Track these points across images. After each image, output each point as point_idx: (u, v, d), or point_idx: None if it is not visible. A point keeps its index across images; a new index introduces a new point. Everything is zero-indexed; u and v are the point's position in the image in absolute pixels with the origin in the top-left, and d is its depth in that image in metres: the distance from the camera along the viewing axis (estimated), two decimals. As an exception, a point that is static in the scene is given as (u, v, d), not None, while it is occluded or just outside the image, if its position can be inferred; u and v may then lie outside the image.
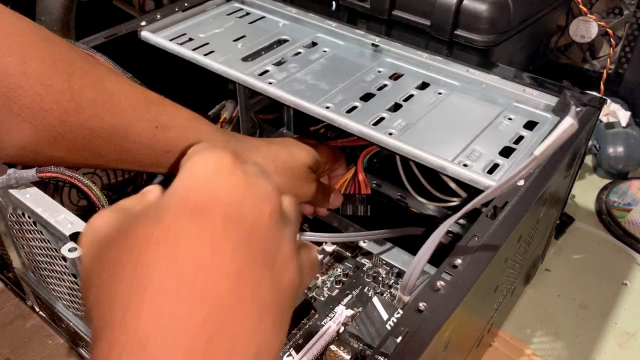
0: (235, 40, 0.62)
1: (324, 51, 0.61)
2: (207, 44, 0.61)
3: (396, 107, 0.52)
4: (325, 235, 0.57)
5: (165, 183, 0.63)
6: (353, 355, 0.44)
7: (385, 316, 0.46)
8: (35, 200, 0.39)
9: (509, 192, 0.42)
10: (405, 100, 0.53)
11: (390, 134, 0.49)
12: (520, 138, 0.49)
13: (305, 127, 0.74)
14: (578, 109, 0.51)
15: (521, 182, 0.43)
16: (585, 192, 0.75)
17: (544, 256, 0.64)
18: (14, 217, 0.42)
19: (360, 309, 0.51)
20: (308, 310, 0.50)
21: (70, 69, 0.38)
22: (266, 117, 0.77)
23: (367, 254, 0.57)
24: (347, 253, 0.57)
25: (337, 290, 0.53)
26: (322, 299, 0.52)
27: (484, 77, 0.55)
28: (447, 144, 0.48)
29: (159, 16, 0.64)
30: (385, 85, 0.55)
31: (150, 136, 0.42)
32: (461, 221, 0.59)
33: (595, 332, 0.57)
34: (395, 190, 0.65)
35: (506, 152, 0.48)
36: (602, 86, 0.79)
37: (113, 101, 0.40)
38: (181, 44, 0.61)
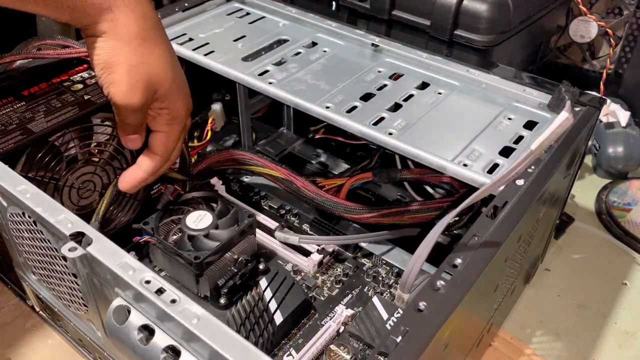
0: (235, 40, 0.62)
1: (324, 51, 0.61)
2: (207, 44, 0.61)
3: (396, 107, 0.52)
4: (323, 238, 0.57)
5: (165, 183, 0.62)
6: (353, 355, 0.44)
7: (385, 316, 0.46)
8: (35, 200, 0.39)
9: (509, 192, 0.42)
10: (405, 100, 0.53)
11: (390, 133, 0.49)
12: (520, 138, 0.49)
13: (305, 127, 0.75)
14: (577, 108, 0.51)
15: (521, 182, 0.43)
16: (585, 192, 0.75)
17: (544, 256, 0.64)
18: (14, 217, 0.42)
19: (360, 309, 0.51)
20: (308, 310, 0.50)
21: None
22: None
23: (367, 254, 0.57)
24: (348, 253, 0.57)
25: (337, 290, 0.53)
26: (322, 299, 0.52)
27: (484, 77, 0.55)
28: (447, 144, 0.48)
29: (159, 16, 0.64)
30: (385, 85, 0.55)
31: None
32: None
33: (595, 332, 0.57)
34: (394, 190, 0.65)
35: (506, 151, 0.48)
36: (602, 86, 0.79)
37: None
38: (181, 44, 0.61)
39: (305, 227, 0.60)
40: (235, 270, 0.51)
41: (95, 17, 0.40)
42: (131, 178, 0.48)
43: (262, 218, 0.59)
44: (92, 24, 0.41)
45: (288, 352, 0.47)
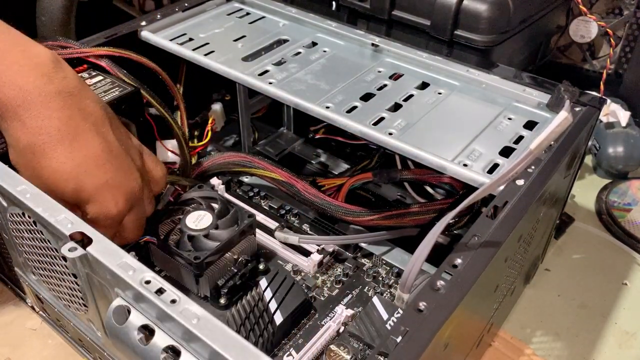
0: (235, 40, 0.62)
1: (324, 51, 0.61)
2: (207, 44, 0.61)
3: (396, 107, 0.52)
4: (323, 238, 0.57)
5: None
6: (353, 355, 0.44)
7: (385, 316, 0.46)
8: (35, 200, 0.39)
9: (509, 192, 0.42)
10: (405, 100, 0.53)
11: (390, 133, 0.49)
12: (520, 138, 0.49)
13: (305, 127, 0.75)
14: (577, 108, 0.51)
15: (521, 182, 0.43)
16: (585, 192, 0.75)
17: (544, 256, 0.64)
18: (14, 217, 0.42)
19: (360, 309, 0.51)
20: (308, 310, 0.50)
21: None
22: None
23: (367, 254, 0.57)
24: (348, 253, 0.57)
25: (337, 290, 0.53)
26: (322, 299, 0.52)
27: (484, 77, 0.55)
28: (447, 144, 0.48)
29: (159, 16, 0.64)
30: (385, 85, 0.55)
31: None
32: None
33: (595, 332, 0.57)
34: (394, 190, 0.65)
35: (506, 152, 0.48)
36: (602, 86, 0.79)
37: None
38: (181, 44, 0.61)
39: (305, 227, 0.60)
40: (235, 271, 0.51)
41: None
42: None
43: (262, 218, 0.59)
44: None
45: (288, 352, 0.47)
